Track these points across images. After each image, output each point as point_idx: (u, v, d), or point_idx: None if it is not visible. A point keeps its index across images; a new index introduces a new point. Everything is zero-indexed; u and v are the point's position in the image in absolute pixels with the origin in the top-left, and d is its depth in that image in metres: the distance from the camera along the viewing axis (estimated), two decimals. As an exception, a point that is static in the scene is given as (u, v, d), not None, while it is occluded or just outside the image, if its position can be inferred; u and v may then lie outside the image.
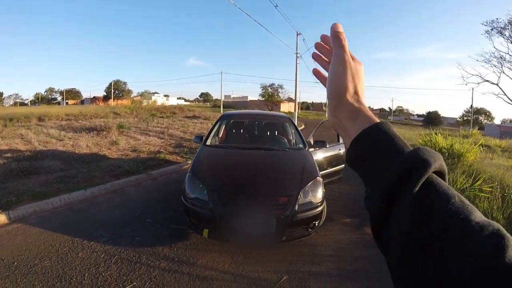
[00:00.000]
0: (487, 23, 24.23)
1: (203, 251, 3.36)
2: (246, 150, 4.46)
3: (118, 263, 3.06)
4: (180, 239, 3.61)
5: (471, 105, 46.07)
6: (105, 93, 74.07)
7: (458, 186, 5.14)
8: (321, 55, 0.56)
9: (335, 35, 0.49)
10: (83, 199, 4.83)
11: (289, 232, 3.19)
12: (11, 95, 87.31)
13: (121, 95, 70.24)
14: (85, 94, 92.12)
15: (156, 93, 77.16)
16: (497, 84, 25.87)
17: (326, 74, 0.53)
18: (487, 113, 65.80)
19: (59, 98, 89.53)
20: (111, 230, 3.76)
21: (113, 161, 7.27)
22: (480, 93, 69.57)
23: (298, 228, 3.25)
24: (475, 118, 58.88)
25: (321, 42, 0.56)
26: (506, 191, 4.95)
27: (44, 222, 3.95)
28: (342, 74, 0.47)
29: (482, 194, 4.82)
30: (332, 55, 0.50)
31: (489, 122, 58.96)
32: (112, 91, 69.83)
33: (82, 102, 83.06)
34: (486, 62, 25.61)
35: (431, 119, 52.13)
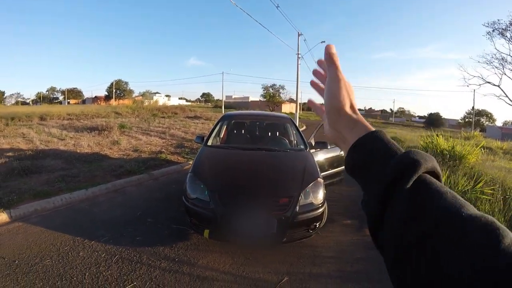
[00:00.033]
0: (488, 24, 24.29)
1: (203, 252, 3.36)
2: (247, 150, 4.46)
3: (119, 263, 3.07)
4: (181, 239, 3.61)
5: (473, 107, 46.14)
6: (106, 93, 74.27)
7: (460, 188, 5.13)
8: (319, 82, 0.59)
9: (329, 56, 0.52)
10: (84, 198, 4.84)
11: (290, 233, 3.18)
12: (13, 94, 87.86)
13: (122, 95, 70.40)
14: (87, 94, 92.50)
15: (157, 93, 77.45)
16: (498, 86, 25.90)
17: (323, 86, 0.56)
18: (489, 115, 65.69)
19: (61, 98, 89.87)
20: (112, 230, 3.76)
21: (115, 160, 7.28)
22: (481, 94, 69.76)
23: (299, 229, 3.25)
24: (477, 119, 58.82)
25: (317, 68, 0.59)
26: (508, 194, 4.94)
27: (45, 221, 3.95)
28: (339, 90, 0.50)
29: (484, 196, 4.81)
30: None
31: (490, 124, 58.90)
32: (114, 90, 70.02)
33: (84, 101, 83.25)
34: (487, 63, 25.68)
35: (433, 121, 51.92)
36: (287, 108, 50.81)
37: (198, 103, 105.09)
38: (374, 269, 3.06)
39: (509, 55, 24.19)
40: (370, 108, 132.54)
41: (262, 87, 45.98)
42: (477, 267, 0.29)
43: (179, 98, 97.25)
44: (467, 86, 29.57)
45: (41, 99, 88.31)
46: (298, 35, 21.82)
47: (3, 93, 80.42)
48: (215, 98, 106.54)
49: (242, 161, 4.06)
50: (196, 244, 3.51)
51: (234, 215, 3.08)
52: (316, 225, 3.33)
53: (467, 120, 59.41)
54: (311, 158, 4.06)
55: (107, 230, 3.76)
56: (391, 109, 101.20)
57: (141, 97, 59.49)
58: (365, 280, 2.95)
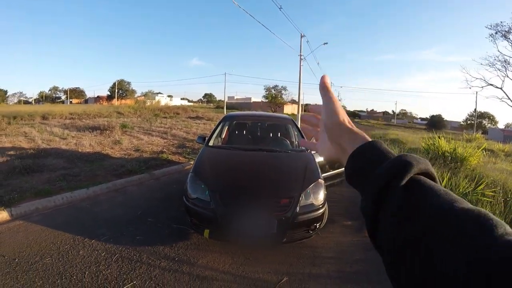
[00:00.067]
0: (491, 26, 24.21)
1: (203, 251, 3.36)
2: (248, 151, 4.46)
3: (119, 262, 3.07)
4: (181, 239, 3.61)
5: (475, 109, 46.06)
6: (109, 93, 74.35)
7: (461, 190, 5.11)
8: (307, 126, 0.69)
9: (324, 85, 0.59)
10: (85, 197, 4.85)
11: (290, 233, 3.18)
12: (15, 93, 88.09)
13: (125, 94, 70.38)
14: (89, 93, 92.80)
15: (159, 93, 77.63)
16: (501, 88, 25.82)
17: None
18: (491, 117, 65.49)
19: (63, 97, 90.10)
20: (113, 229, 3.77)
21: (116, 160, 7.30)
22: (484, 97, 69.53)
23: (299, 229, 3.25)
24: (479, 122, 58.67)
25: (306, 115, 0.71)
26: (509, 196, 4.92)
27: (46, 220, 3.96)
28: (337, 109, 0.56)
29: (485, 198, 4.80)
30: (314, 121, 0.66)
31: (492, 126, 58.71)
32: (116, 90, 70.10)
33: (86, 101, 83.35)
34: (490, 65, 25.61)
35: (435, 123, 51.94)
36: (289, 109, 50.83)
37: (200, 103, 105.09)
38: (374, 270, 3.05)
39: (512, 57, 24.13)
40: (372, 110, 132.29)
41: (264, 88, 45.97)
42: (470, 260, 0.29)
43: (181, 99, 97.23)
44: (470, 88, 29.56)
45: (43, 98, 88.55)
46: (301, 37, 21.74)
47: (5, 92, 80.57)
48: (217, 98, 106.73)
49: (243, 161, 4.06)
50: (196, 244, 3.51)
51: (235, 215, 3.08)
52: (316, 225, 3.33)
53: (469, 122, 59.23)
54: (312, 159, 4.06)
55: (107, 229, 3.76)
56: (393, 111, 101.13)
57: (143, 97, 59.76)
58: (365, 281, 2.94)
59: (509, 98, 25.56)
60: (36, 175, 5.68)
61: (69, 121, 17.57)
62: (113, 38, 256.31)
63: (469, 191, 5.06)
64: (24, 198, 4.46)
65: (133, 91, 72.24)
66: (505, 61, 24.67)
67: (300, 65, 21.89)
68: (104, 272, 2.88)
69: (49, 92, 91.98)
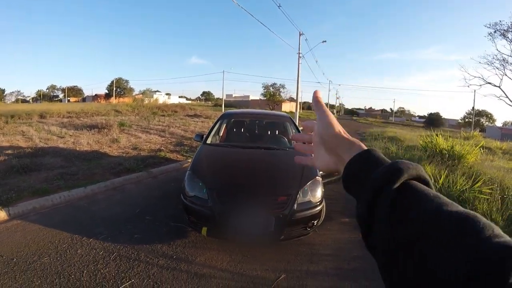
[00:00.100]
0: (490, 25, 24.25)
1: (201, 249, 3.37)
2: (246, 149, 4.46)
3: (117, 260, 3.07)
4: (179, 237, 3.62)
5: (473, 107, 46.11)
6: (106, 91, 73.98)
7: (458, 187, 5.13)
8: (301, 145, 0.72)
9: (317, 99, 0.62)
10: (83, 196, 4.85)
11: (287, 231, 3.19)
12: (13, 92, 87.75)
13: (122, 93, 70.14)
14: (87, 92, 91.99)
15: (157, 91, 77.50)
16: (499, 87, 25.88)
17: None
18: (489, 115, 65.71)
19: (61, 96, 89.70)
20: (111, 227, 3.77)
21: (114, 158, 7.28)
22: (482, 95, 69.66)
23: (296, 227, 3.26)
24: (477, 120, 58.79)
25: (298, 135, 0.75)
26: (506, 193, 4.94)
27: (43, 219, 3.96)
28: (331, 120, 0.58)
29: (482, 195, 4.81)
30: (307, 137, 0.69)
31: (490, 124, 58.92)
32: (114, 89, 69.76)
33: (84, 99, 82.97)
34: (488, 64, 25.66)
35: (433, 121, 51.89)
36: (287, 107, 50.79)
37: (198, 101, 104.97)
38: (371, 267, 3.05)
39: (510, 56, 24.19)
40: (370, 108, 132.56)
41: (263, 86, 46.05)
42: (459, 262, 0.30)
43: (179, 97, 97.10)
44: (468, 86, 29.56)
45: (41, 97, 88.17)
46: (300, 35, 21.75)
47: (3, 90, 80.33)
48: (216, 96, 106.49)
49: (241, 159, 4.07)
50: (194, 242, 3.52)
51: (232, 213, 3.08)
52: (314, 223, 3.34)
53: (467, 120, 59.38)
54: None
55: (105, 227, 3.76)
56: (391, 109, 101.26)
57: (141, 95, 59.63)
58: (362, 278, 2.95)
59: (507, 96, 25.65)
60: (34, 174, 5.66)
61: (66, 119, 17.53)
62: (111, 36, 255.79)
63: (466, 189, 5.08)
64: (21, 197, 4.45)
65: (131, 89, 71.98)
66: (503, 59, 24.75)
67: (298, 63, 21.92)
68: (102, 270, 2.88)
69: (47, 90, 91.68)
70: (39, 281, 2.67)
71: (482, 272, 0.28)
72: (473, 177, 5.41)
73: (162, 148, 8.98)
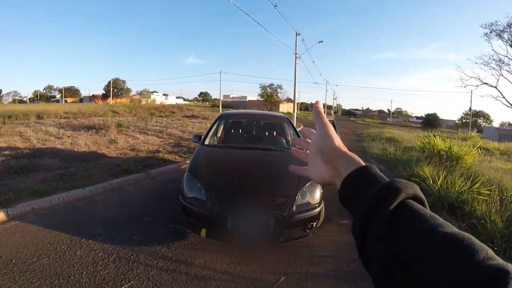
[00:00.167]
0: (486, 25, 24.29)
1: (201, 251, 3.36)
2: (244, 150, 4.46)
3: (116, 262, 3.06)
4: (178, 238, 3.61)
5: (470, 108, 46.20)
6: (104, 92, 73.90)
7: (457, 188, 5.15)
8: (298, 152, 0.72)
9: (317, 110, 0.62)
10: (81, 197, 4.83)
11: (286, 232, 3.19)
12: (9, 93, 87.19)
13: (120, 93, 69.97)
14: (84, 92, 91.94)
15: (155, 92, 77.19)
16: (495, 87, 25.93)
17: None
18: (486, 116, 66.02)
19: (58, 96, 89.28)
20: (109, 229, 3.76)
21: (112, 159, 7.26)
22: (478, 95, 70.03)
23: (296, 228, 3.26)
24: (474, 120, 59.10)
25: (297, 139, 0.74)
26: (505, 194, 4.96)
27: (42, 220, 3.94)
28: (331, 132, 0.58)
29: (480, 197, 4.83)
30: (304, 144, 0.69)
31: (487, 125, 59.18)
32: (111, 89, 69.60)
33: (81, 100, 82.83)
34: (485, 64, 25.69)
35: (430, 121, 52.12)
36: (284, 107, 50.80)
37: (195, 102, 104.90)
38: (371, 269, 3.06)
39: (507, 56, 24.26)
40: (368, 108, 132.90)
41: (260, 87, 45.97)
42: (454, 284, 0.31)
43: (177, 97, 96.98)
44: (465, 87, 29.55)
45: (38, 97, 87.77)
46: (296, 35, 21.73)
47: (0, 91, 79.92)
48: (213, 97, 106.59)
49: (239, 160, 4.07)
50: (193, 243, 3.51)
51: (231, 215, 3.08)
52: (313, 224, 3.34)
53: (464, 121, 59.61)
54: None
55: (104, 229, 3.75)
56: (388, 110, 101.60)
57: (138, 96, 59.43)
58: (362, 280, 2.96)
59: (503, 97, 25.70)
60: (32, 175, 5.64)
61: (64, 120, 17.47)
62: (108, 36, 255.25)
63: (465, 190, 5.09)
64: (20, 198, 4.43)
65: (128, 90, 71.78)
66: (499, 60, 24.79)
67: (295, 64, 21.85)
68: (101, 272, 2.88)
69: (44, 91, 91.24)
70: (38, 283, 2.66)
71: None
72: (471, 178, 5.43)
73: (160, 149, 8.97)
